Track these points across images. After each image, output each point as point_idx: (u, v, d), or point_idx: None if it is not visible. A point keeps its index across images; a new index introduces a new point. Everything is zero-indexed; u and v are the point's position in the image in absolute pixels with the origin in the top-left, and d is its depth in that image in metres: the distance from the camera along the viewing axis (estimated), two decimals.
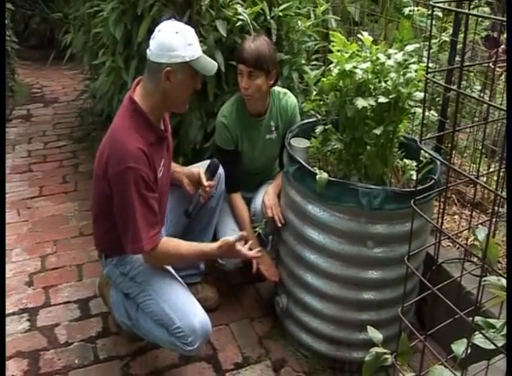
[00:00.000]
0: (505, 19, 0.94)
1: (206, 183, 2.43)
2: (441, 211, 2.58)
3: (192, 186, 2.48)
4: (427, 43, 2.44)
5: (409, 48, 2.10)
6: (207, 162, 2.53)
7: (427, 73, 1.18)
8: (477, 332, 1.16)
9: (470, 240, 2.51)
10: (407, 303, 1.39)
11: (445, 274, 2.42)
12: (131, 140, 2.03)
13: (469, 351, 1.22)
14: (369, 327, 1.41)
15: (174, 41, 2.01)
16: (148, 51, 2.07)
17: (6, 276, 2.90)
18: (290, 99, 2.70)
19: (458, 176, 2.58)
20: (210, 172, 2.48)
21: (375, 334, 1.38)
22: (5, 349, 2.28)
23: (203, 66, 2.10)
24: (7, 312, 2.64)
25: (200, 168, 2.50)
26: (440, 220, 1.31)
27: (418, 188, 2.00)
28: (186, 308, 2.12)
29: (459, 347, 1.26)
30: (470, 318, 1.09)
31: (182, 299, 2.15)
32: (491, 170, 2.80)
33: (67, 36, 4.14)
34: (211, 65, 2.14)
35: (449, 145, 3.02)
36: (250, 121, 2.65)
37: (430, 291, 1.26)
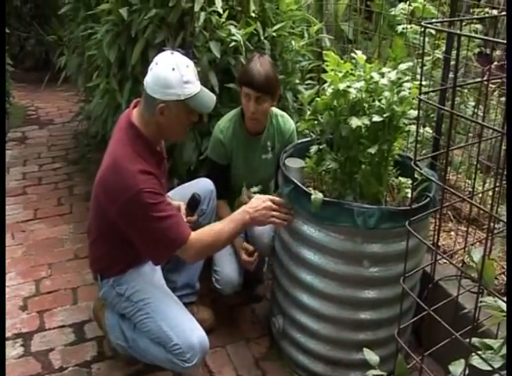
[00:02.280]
0: (495, 39, 0.94)
1: (185, 219, 2.37)
2: (437, 227, 2.57)
3: None
4: (421, 60, 2.44)
5: (403, 66, 2.10)
6: (191, 191, 2.48)
7: (420, 93, 1.18)
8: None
9: (466, 256, 2.50)
10: (403, 325, 1.37)
11: (441, 291, 2.40)
12: (136, 165, 2.02)
13: (467, 372, 1.20)
14: (365, 349, 1.39)
15: (170, 78, 1.99)
16: (144, 81, 2.05)
17: None
18: (289, 122, 2.71)
19: (454, 193, 2.57)
20: (191, 207, 2.44)
21: (371, 356, 1.37)
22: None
23: (199, 104, 2.08)
24: None
25: (182, 201, 2.44)
26: (436, 238, 1.30)
27: (413, 206, 1.99)
28: (183, 325, 2.11)
29: (457, 368, 1.24)
30: (467, 339, 1.08)
31: (179, 316, 2.14)
32: (486, 185, 2.79)
33: (62, 58, 4.14)
34: (209, 101, 2.12)
35: (444, 161, 3.04)
36: (247, 139, 2.65)
37: (427, 312, 1.24)
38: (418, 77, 2.25)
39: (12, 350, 2.55)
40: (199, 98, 2.06)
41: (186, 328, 2.10)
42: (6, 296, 2.91)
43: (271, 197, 2.20)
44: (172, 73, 1.99)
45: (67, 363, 2.48)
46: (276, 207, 2.17)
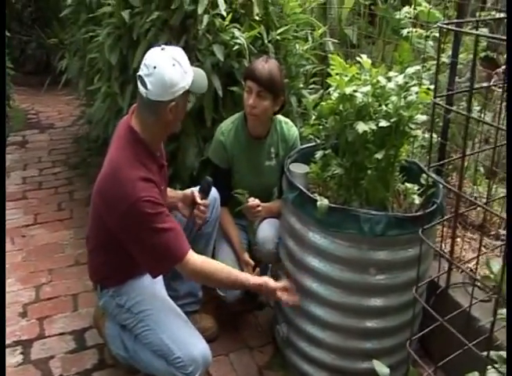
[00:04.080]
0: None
1: (200, 201, 2.37)
2: (443, 234, 2.54)
3: (187, 208, 2.42)
4: (426, 65, 2.41)
5: (410, 70, 2.07)
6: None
7: (435, 96, 1.14)
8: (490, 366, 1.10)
9: (473, 263, 2.46)
10: (415, 336, 1.33)
11: (449, 299, 2.36)
12: (136, 171, 1.98)
13: None
14: (374, 360, 1.35)
15: (174, 76, 1.96)
16: (143, 89, 1.98)
17: None
18: (293, 129, 2.68)
19: (459, 199, 2.54)
20: (204, 190, 2.41)
21: (381, 368, 1.32)
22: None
23: (199, 87, 2.11)
24: None
25: (193, 189, 2.44)
26: (449, 245, 1.26)
27: (422, 213, 1.95)
28: (185, 337, 2.07)
29: None
30: (484, 352, 1.04)
31: (181, 328, 2.10)
32: (492, 191, 2.75)
33: (63, 61, 4.12)
34: (204, 80, 2.15)
35: (449, 167, 3.00)
36: (249, 143, 2.61)
37: (439, 322, 1.20)
38: (423, 81, 2.21)
39: (12, 358, 2.51)
40: (196, 82, 2.07)
41: (188, 341, 2.05)
42: (6, 302, 2.86)
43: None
44: (174, 69, 1.96)
45: (67, 372, 2.44)
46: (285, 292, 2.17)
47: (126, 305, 2.17)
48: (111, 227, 2.03)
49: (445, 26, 1.13)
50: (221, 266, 2.13)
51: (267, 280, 2.14)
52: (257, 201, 2.54)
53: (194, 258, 2.03)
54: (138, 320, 2.14)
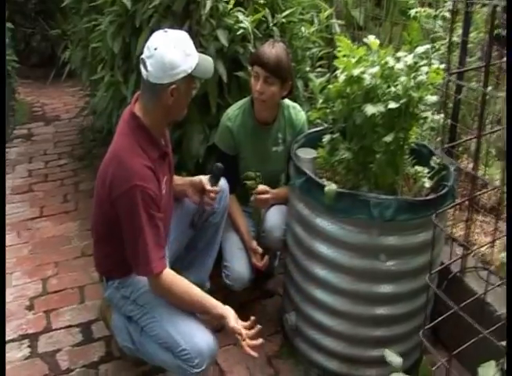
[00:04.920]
0: None
1: (210, 188, 2.33)
2: (455, 217, 2.47)
3: (197, 195, 2.38)
4: (435, 45, 2.34)
5: (420, 49, 2.00)
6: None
7: (449, 74, 1.08)
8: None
9: (485, 247, 2.40)
10: (428, 325, 1.28)
11: (461, 284, 2.31)
12: (136, 157, 1.95)
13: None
14: (386, 350, 1.30)
15: (175, 57, 1.91)
16: (144, 71, 1.95)
17: (6, 300, 2.79)
18: (300, 113, 2.63)
19: (470, 181, 2.48)
20: (214, 177, 2.37)
21: (393, 358, 1.27)
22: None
23: (203, 72, 2.05)
24: (7, 338, 2.54)
25: (201, 176, 2.40)
26: (453, 228, 1.20)
27: (433, 197, 1.90)
28: (191, 329, 2.02)
29: (487, 371, 1.15)
30: (503, 342, 0.99)
31: (187, 320, 2.05)
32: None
33: (66, 52, 4.07)
34: (209, 65, 2.09)
35: (459, 149, 2.93)
36: (256, 129, 2.56)
37: (453, 310, 1.15)
38: (433, 62, 2.15)
39: (19, 352, 2.49)
40: (201, 66, 2.01)
41: (194, 333, 2.01)
42: (12, 296, 2.85)
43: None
44: (175, 51, 1.91)
45: (74, 364, 2.42)
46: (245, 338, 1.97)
47: (131, 297, 2.13)
48: (108, 213, 2.00)
49: None
50: (192, 292, 2.03)
51: (229, 316, 1.99)
52: (265, 187, 2.49)
53: (164, 279, 1.98)
54: (143, 312, 2.10)
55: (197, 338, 2.00)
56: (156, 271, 1.96)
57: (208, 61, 2.09)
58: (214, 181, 2.36)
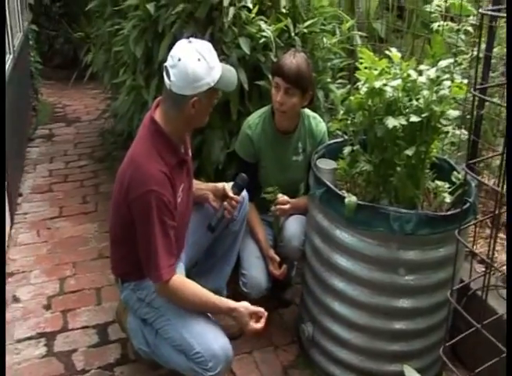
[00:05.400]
0: None
1: (233, 195, 2.33)
2: (475, 234, 2.45)
3: (218, 201, 2.39)
4: (457, 60, 2.33)
5: (443, 63, 2.00)
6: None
7: (474, 89, 1.08)
8: None
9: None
10: (449, 342, 1.28)
11: (480, 301, 2.29)
12: (153, 163, 1.97)
13: None
14: (405, 366, 1.30)
15: (198, 70, 1.92)
16: (167, 80, 1.96)
17: (24, 298, 2.85)
18: (321, 124, 2.63)
19: (494, 198, 2.46)
20: (238, 186, 2.37)
21: (413, 374, 1.27)
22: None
23: (226, 84, 2.04)
24: (24, 336, 2.59)
25: (225, 183, 2.41)
26: (474, 246, 1.20)
27: (454, 212, 1.89)
28: (205, 332, 2.04)
29: None
30: None
31: (201, 323, 2.07)
32: None
33: (89, 55, 4.12)
34: (233, 77, 2.08)
35: (481, 165, 2.91)
36: (277, 137, 2.57)
37: (475, 328, 1.15)
38: (455, 76, 2.14)
39: (36, 350, 2.52)
40: (224, 79, 2.01)
41: (208, 336, 2.02)
42: (30, 294, 2.89)
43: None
44: (199, 64, 1.92)
45: (90, 366, 2.44)
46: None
47: (146, 300, 2.15)
48: (125, 216, 2.03)
49: (486, 12, 1.07)
50: (202, 295, 2.06)
51: (244, 305, 2.08)
52: (285, 198, 2.49)
53: (170, 284, 2.00)
54: (158, 315, 2.12)
55: (211, 340, 2.01)
56: (164, 278, 1.98)
57: (232, 73, 2.09)
58: (237, 190, 2.37)
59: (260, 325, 2.07)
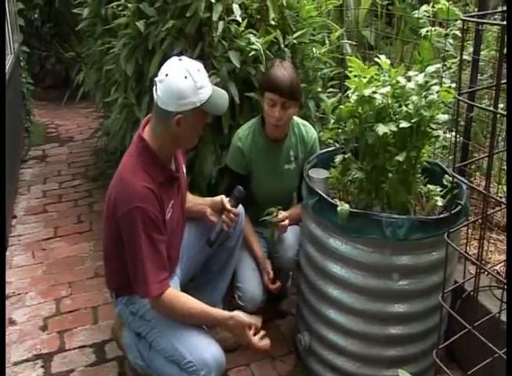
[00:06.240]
0: None
1: (231, 208, 2.33)
2: (468, 236, 2.45)
3: (216, 215, 2.38)
4: (446, 64, 2.35)
5: (431, 68, 2.01)
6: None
7: (459, 93, 1.09)
8: None
9: (499, 266, 2.38)
10: (442, 345, 1.27)
11: (475, 303, 2.28)
12: (138, 179, 1.96)
13: None
14: (400, 370, 1.29)
15: (184, 87, 1.92)
16: (155, 95, 1.97)
17: (20, 320, 2.83)
18: (311, 131, 2.64)
19: (483, 199, 2.46)
20: (235, 200, 2.37)
21: None
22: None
23: (214, 107, 2.02)
24: (21, 358, 2.56)
25: (223, 196, 2.40)
26: (467, 247, 1.20)
27: (446, 215, 1.89)
28: (197, 341, 2.04)
29: None
30: None
31: (192, 333, 2.06)
32: None
33: (80, 75, 4.13)
34: (222, 102, 2.07)
35: (472, 167, 2.92)
36: (268, 146, 2.57)
37: (467, 329, 1.15)
38: (444, 80, 2.16)
39: (33, 372, 2.49)
40: (213, 100, 2.00)
41: (200, 345, 2.02)
42: (26, 317, 2.86)
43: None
44: (185, 82, 1.92)
45: None
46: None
47: (139, 313, 2.15)
48: (114, 232, 2.03)
49: (469, 19, 1.08)
50: (189, 301, 2.06)
51: (239, 314, 2.08)
52: (284, 214, 2.49)
53: (164, 300, 2.00)
54: (150, 327, 2.12)
55: (202, 349, 2.00)
56: (153, 294, 1.97)
57: (222, 98, 2.08)
58: (235, 203, 2.37)
59: (265, 343, 2.07)
